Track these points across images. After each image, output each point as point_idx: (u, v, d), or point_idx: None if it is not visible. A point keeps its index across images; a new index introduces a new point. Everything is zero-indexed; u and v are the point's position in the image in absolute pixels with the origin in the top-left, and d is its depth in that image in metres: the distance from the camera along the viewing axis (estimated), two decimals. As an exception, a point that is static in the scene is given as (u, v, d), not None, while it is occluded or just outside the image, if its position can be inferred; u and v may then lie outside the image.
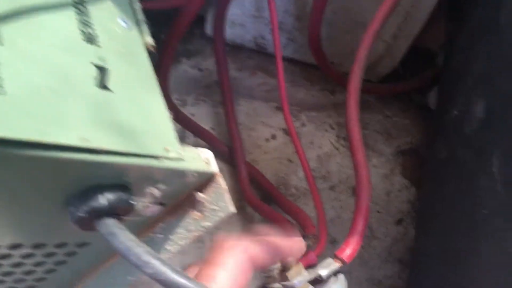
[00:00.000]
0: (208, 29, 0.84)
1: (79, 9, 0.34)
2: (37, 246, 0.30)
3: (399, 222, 0.73)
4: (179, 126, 0.76)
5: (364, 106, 0.72)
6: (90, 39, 0.32)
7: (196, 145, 0.78)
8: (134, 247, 0.25)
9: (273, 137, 0.79)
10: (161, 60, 0.71)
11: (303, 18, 0.77)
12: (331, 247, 0.69)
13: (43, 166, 0.23)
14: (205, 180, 0.31)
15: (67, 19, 0.32)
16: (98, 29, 0.33)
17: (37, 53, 0.26)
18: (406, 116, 0.81)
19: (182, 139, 0.71)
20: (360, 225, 0.52)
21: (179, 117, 0.73)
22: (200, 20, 0.84)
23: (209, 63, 0.84)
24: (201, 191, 0.31)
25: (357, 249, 0.52)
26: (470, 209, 0.43)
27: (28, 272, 0.34)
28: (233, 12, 0.79)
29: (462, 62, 0.61)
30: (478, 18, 0.61)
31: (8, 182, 0.23)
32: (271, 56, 0.84)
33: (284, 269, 0.44)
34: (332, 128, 0.80)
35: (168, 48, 0.71)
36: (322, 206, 0.59)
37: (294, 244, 0.39)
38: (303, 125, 0.80)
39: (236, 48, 0.86)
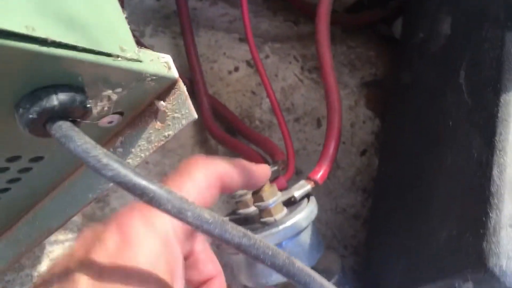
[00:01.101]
0: (165, -45, 0.79)
1: None
2: (-16, 159, 0.28)
3: (363, 153, 0.74)
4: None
5: (328, 37, 0.71)
6: None
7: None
8: (92, 149, 0.23)
9: (236, 69, 0.76)
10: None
11: None
12: (297, 178, 0.69)
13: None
14: (165, 87, 0.29)
15: None
16: None
17: None
18: (370, 48, 0.80)
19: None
20: (331, 148, 0.52)
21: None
22: None
23: (167, -8, 0.80)
24: (161, 99, 0.30)
25: (328, 171, 0.52)
26: (435, 125, 0.43)
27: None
28: None
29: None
30: None
31: None
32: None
33: (257, 191, 0.43)
34: (297, 60, 0.78)
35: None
36: (289, 133, 0.58)
37: (261, 168, 0.38)
38: (267, 56, 0.78)
39: (196, -23, 0.81)
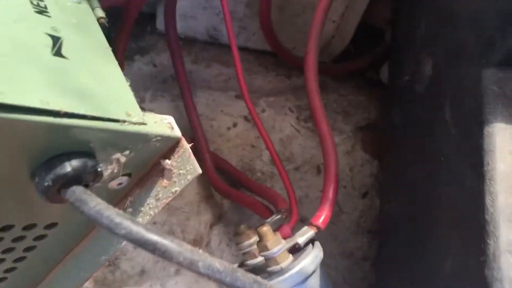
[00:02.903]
0: (159, 24, 0.83)
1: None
2: (3, 228, 0.30)
3: (364, 195, 0.75)
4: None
5: (320, 87, 0.74)
6: (42, 11, 0.32)
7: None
8: (104, 210, 0.24)
9: (234, 125, 0.79)
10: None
11: (253, 4, 0.78)
12: (302, 225, 0.70)
13: (4, 131, 0.22)
14: (170, 146, 0.31)
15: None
16: (48, 2, 0.33)
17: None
18: (361, 93, 0.83)
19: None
20: (330, 192, 0.53)
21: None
22: (150, 17, 0.84)
23: (164, 58, 0.84)
24: (166, 158, 0.31)
25: (330, 215, 0.53)
26: (429, 160, 0.45)
27: (-4, 260, 0.33)
28: (183, 5, 0.79)
29: (407, 31, 0.64)
30: None
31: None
32: (225, 47, 0.85)
33: (262, 240, 0.44)
34: (292, 111, 0.81)
35: (119, 46, 0.70)
36: (289, 182, 0.60)
37: None
38: (263, 111, 0.81)
39: (190, 41, 0.86)
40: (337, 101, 0.83)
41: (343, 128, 0.80)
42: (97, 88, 0.27)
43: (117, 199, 0.34)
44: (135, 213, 0.33)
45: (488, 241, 0.31)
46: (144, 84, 0.82)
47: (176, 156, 0.31)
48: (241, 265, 0.51)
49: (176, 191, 0.31)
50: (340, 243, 0.71)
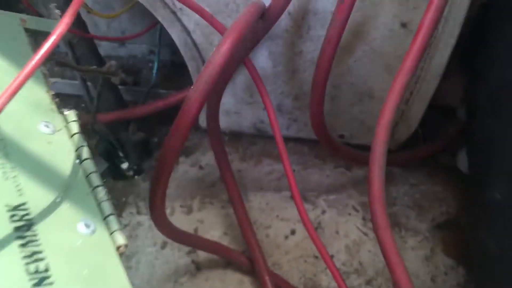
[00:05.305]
0: (202, 121, 0.77)
1: (23, 238, 0.27)
2: None
3: (453, 312, 0.64)
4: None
5: (386, 178, 0.64)
6: (41, 280, 0.25)
7: (211, 262, 0.69)
8: None
9: (292, 232, 0.71)
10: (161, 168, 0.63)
11: (301, 97, 0.70)
12: None
13: None
14: None
15: (9, 263, 0.26)
16: (49, 255, 0.27)
17: None
18: (435, 182, 0.72)
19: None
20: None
21: (190, 242, 0.65)
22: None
23: (209, 158, 0.78)
24: None
25: None
26: None
27: None
28: (226, 101, 0.72)
29: (493, 132, 0.53)
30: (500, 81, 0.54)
31: None
32: (274, 139, 0.77)
33: None
34: (356, 210, 0.72)
35: (168, 154, 0.61)
36: None
37: None
38: (324, 212, 0.72)
39: (236, 136, 0.79)
40: (408, 193, 0.72)
41: (418, 227, 0.69)
42: None
43: None
44: None
45: None
46: (191, 190, 0.75)
47: None
48: None
49: None
50: None
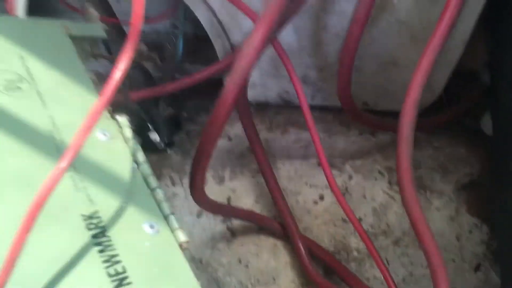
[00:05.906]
0: (229, 93, 0.79)
1: (100, 244, 0.31)
2: None
3: (477, 268, 0.67)
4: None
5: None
6: (121, 281, 0.29)
7: (245, 228, 0.74)
8: None
9: (321, 197, 0.74)
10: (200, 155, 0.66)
11: (326, 68, 0.71)
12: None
13: None
14: None
15: (92, 268, 0.29)
16: (124, 258, 0.30)
17: None
18: (459, 145, 0.74)
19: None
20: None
21: (227, 212, 0.69)
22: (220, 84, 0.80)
23: (237, 129, 0.80)
24: None
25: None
26: None
27: None
28: (252, 74, 0.74)
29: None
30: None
31: None
32: (300, 108, 0.79)
33: None
34: (382, 175, 0.74)
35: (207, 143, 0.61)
36: (385, 268, 0.56)
37: None
38: (350, 177, 0.75)
39: (262, 107, 0.81)
40: (432, 156, 0.74)
41: (443, 189, 0.72)
42: None
43: None
44: None
45: None
46: (222, 161, 0.79)
47: None
48: None
49: None
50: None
